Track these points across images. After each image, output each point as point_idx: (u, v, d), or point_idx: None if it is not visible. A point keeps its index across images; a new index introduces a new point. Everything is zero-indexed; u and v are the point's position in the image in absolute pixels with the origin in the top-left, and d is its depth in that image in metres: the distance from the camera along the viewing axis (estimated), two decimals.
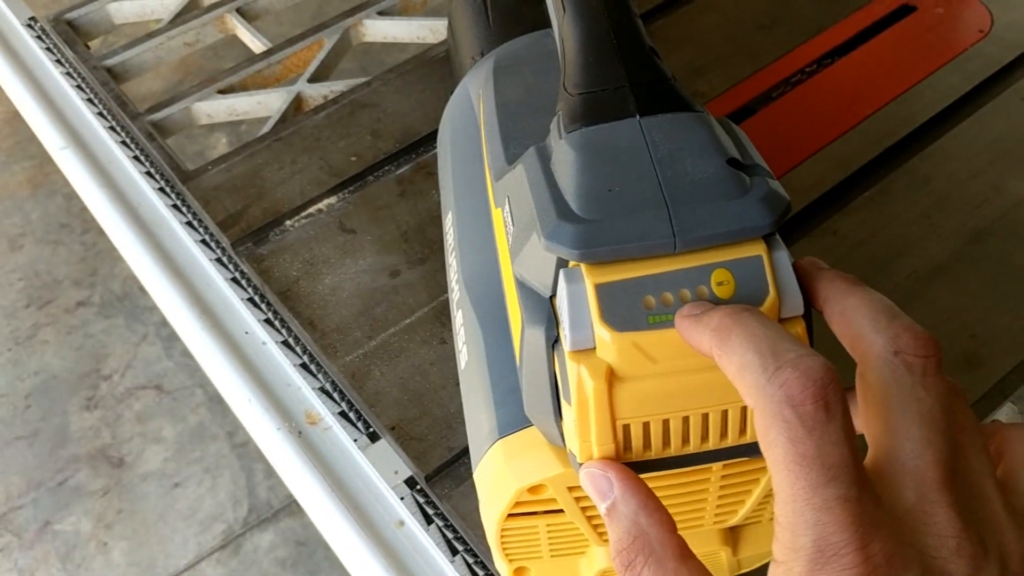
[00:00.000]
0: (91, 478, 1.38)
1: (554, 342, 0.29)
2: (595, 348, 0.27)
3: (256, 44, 0.73)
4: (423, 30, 0.74)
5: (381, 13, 0.74)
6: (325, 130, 0.64)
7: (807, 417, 0.23)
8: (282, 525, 1.31)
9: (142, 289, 1.62)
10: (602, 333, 0.27)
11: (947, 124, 0.63)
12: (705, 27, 0.69)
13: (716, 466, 0.30)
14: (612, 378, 0.27)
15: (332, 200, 0.60)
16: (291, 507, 1.33)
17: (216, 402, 1.46)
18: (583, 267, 0.28)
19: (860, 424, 0.27)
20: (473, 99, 0.45)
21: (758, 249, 0.28)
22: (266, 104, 0.69)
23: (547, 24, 0.49)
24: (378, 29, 0.74)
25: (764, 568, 0.30)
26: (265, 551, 1.28)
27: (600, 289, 0.27)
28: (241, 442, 1.40)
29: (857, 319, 0.27)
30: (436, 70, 0.68)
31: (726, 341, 0.26)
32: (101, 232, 1.71)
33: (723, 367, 0.26)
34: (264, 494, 1.34)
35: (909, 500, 0.24)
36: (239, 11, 0.75)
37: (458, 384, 0.51)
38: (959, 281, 0.54)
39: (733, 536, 0.37)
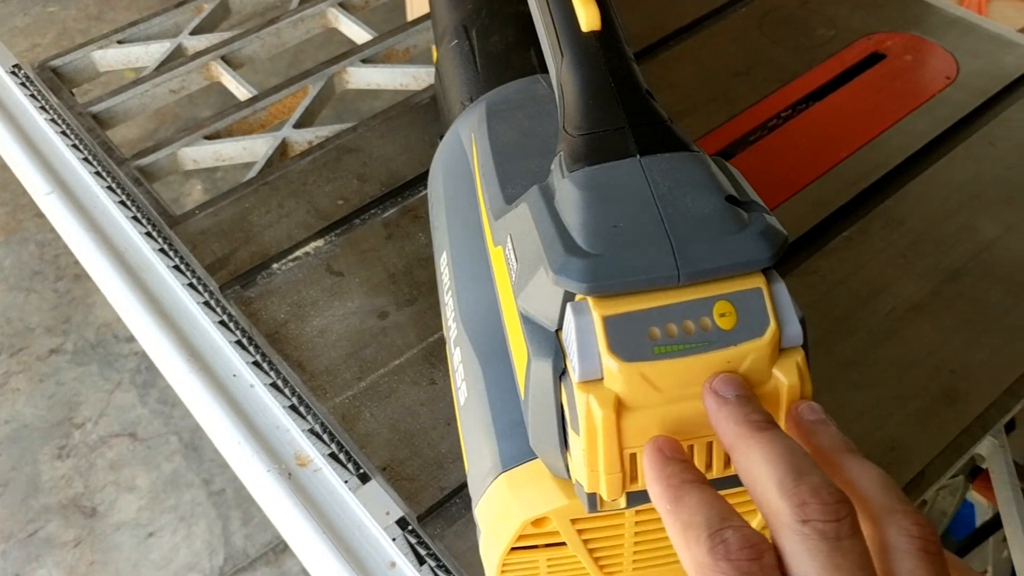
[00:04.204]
0: (63, 529, 1.35)
1: (561, 374, 0.29)
2: (603, 379, 0.28)
3: (241, 91, 0.74)
4: (406, 77, 0.75)
5: (365, 61, 0.76)
6: (311, 175, 0.65)
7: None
8: (259, 574, 1.29)
9: (116, 336, 1.61)
10: (610, 364, 0.28)
11: (919, 167, 0.64)
12: (683, 74, 0.71)
13: None
14: (620, 407, 0.28)
15: (319, 243, 0.61)
16: (267, 556, 1.32)
17: (191, 449, 1.44)
18: (590, 300, 0.28)
19: None
20: (465, 143, 0.46)
21: (758, 282, 0.28)
22: (252, 150, 0.70)
23: (533, 70, 0.50)
24: (362, 76, 0.76)
25: None
26: None
27: (608, 321, 0.28)
28: (217, 490, 1.38)
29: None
30: (420, 116, 0.69)
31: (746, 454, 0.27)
32: (75, 279, 1.71)
33: (741, 474, 0.27)
34: (240, 542, 1.33)
35: None
36: (224, 59, 0.76)
37: (449, 424, 0.51)
38: (937, 318, 0.55)
39: None
